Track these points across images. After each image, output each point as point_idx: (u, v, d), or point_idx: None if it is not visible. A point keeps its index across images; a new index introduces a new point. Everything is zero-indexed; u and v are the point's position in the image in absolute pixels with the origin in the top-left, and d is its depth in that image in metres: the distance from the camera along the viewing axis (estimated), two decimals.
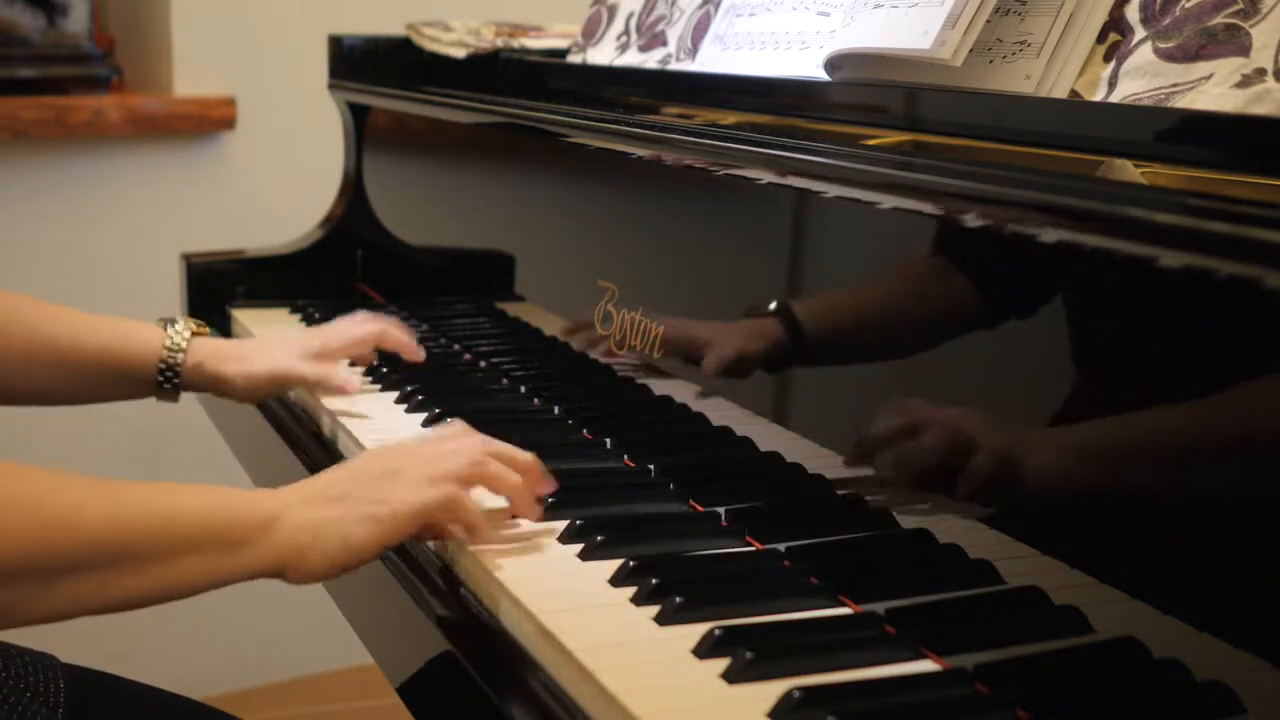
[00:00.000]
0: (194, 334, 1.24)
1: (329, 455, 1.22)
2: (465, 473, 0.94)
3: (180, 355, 1.22)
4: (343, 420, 1.22)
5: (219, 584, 0.88)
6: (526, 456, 0.99)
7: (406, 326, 1.36)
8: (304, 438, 1.27)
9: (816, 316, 1.02)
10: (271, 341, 1.29)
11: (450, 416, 1.19)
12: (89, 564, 0.83)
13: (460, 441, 0.97)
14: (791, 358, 1.03)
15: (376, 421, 1.23)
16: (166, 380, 1.23)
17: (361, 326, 1.32)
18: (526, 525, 0.98)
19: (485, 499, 0.99)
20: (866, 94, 1.03)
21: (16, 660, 1.02)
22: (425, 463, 0.94)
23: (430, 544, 0.98)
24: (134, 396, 1.25)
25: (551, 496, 0.99)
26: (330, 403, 1.26)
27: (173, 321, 1.25)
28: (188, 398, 1.31)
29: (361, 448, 1.16)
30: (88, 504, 0.83)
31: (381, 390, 1.32)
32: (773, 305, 1.03)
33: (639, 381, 1.19)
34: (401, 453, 0.95)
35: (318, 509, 0.90)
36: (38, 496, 0.82)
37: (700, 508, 1.01)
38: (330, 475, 0.94)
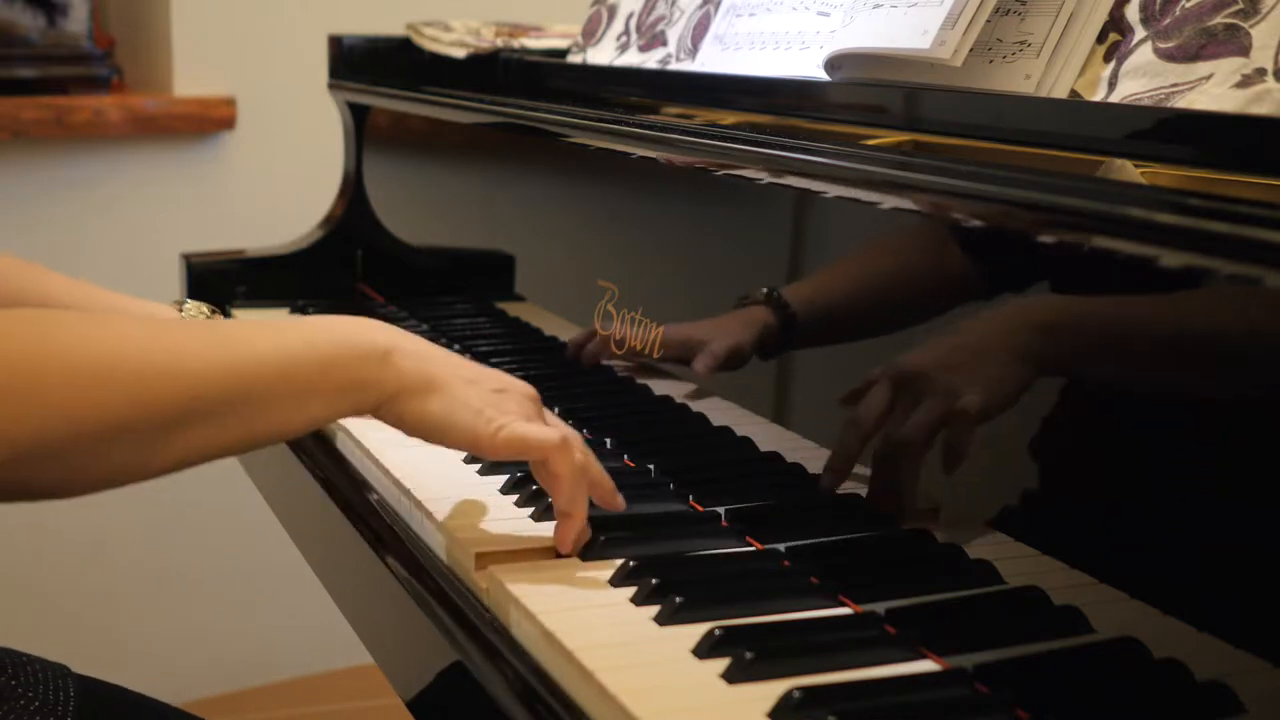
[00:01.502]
0: (207, 317, 1.25)
1: (328, 454, 1.22)
2: (579, 455, 0.91)
3: None
4: (343, 420, 1.22)
5: (331, 421, 0.89)
6: (602, 472, 0.95)
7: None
8: (304, 437, 1.27)
9: (809, 306, 1.02)
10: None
11: None
12: (197, 415, 0.80)
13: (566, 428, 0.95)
14: (784, 345, 1.03)
15: (377, 422, 1.22)
16: None
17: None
18: (527, 528, 0.98)
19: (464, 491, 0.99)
20: (866, 94, 1.03)
21: (27, 668, 1.02)
22: (535, 405, 0.94)
23: (432, 545, 0.98)
24: None
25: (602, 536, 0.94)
26: None
27: (184, 303, 1.25)
28: None
29: (363, 449, 1.15)
30: (191, 353, 0.80)
31: None
32: (764, 292, 1.03)
33: (639, 381, 1.19)
34: (514, 381, 0.95)
35: (440, 367, 0.89)
36: (137, 347, 0.78)
37: (700, 508, 1.01)
38: (453, 355, 0.93)
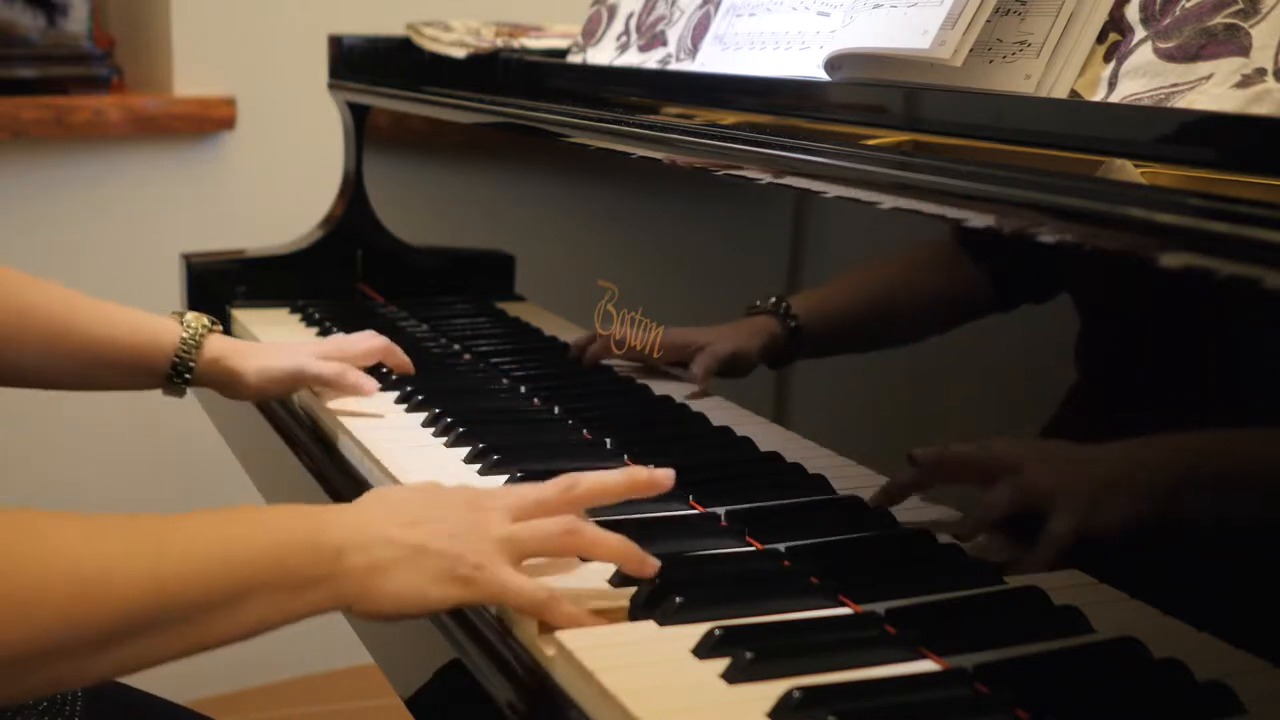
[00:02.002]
0: (208, 329, 1.24)
1: (329, 455, 1.22)
2: (557, 539, 0.85)
3: (195, 350, 1.22)
4: (344, 420, 1.22)
5: (283, 624, 0.80)
6: (619, 477, 0.90)
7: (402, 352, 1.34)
8: (304, 438, 1.27)
9: (816, 312, 1.02)
10: (286, 344, 1.30)
11: (450, 416, 1.19)
12: (130, 632, 0.75)
13: (550, 491, 0.88)
14: (789, 356, 1.03)
15: (377, 422, 1.23)
16: (178, 374, 1.23)
17: (371, 340, 1.32)
18: None
19: None
20: (866, 94, 1.03)
21: None
22: (512, 513, 0.85)
23: None
24: (139, 388, 1.25)
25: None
26: (332, 403, 1.26)
27: (185, 316, 1.25)
28: (189, 398, 1.31)
29: (363, 449, 1.15)
30: (118, 567, 0.75)
31: (382, 390, 1.32)
32: (771, 300, 1.03)
33: (639, 381, 1.19)
34: (484, 496, 0.87)
35: (394, 550, 0.81)
36: (59, 566, 0.73)
37: (700, 508, 1.01)
38: (406, 507, 0.85)
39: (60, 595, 0.72)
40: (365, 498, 0.87)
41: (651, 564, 0.85)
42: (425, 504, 0.85)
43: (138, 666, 0.77)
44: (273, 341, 1.35)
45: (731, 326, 1.08)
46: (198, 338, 1.23)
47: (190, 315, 1.25)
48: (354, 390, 1.25)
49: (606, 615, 0.84)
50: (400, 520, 0.83)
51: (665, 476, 0.90)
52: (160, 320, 1.24)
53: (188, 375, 1.23)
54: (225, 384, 1.25)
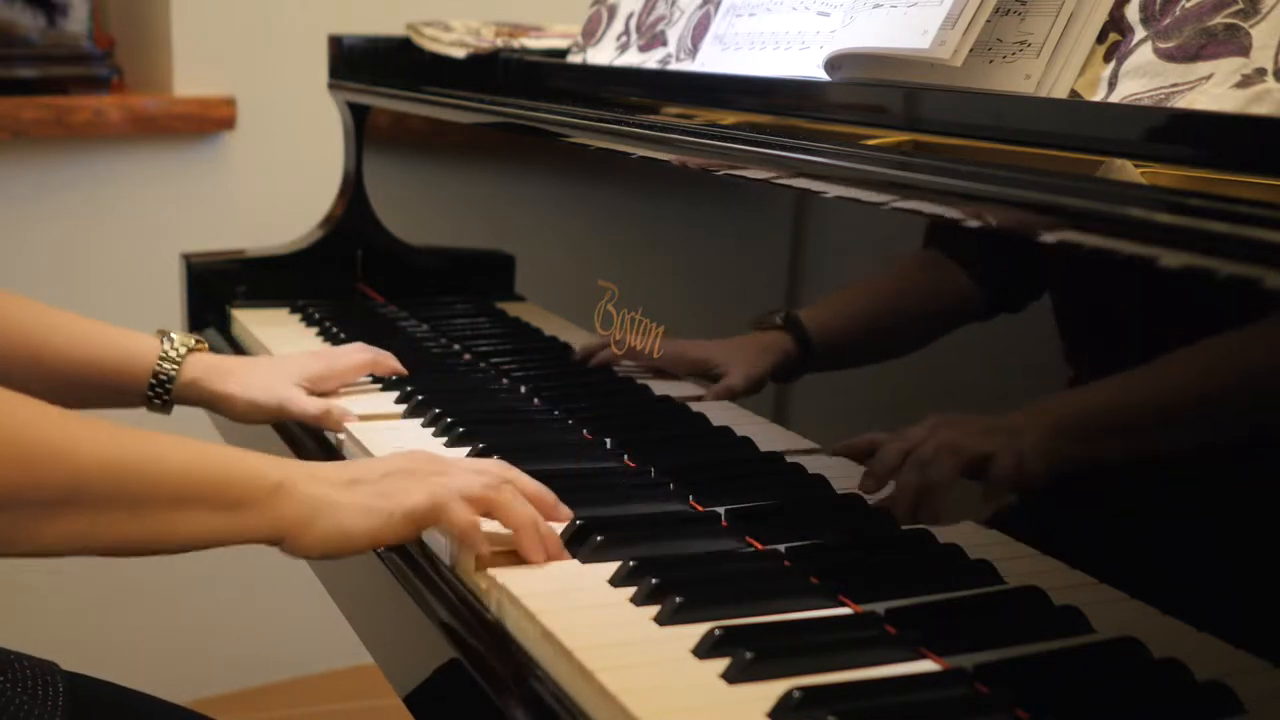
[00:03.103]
0: (190, 350, 1.23)
1: (328, 453, 1.22)
2: (478, 493, 0.92)
3: (173, 370, 1.21)
4: (344, 421, 1.22)
5: (216, 543, 0.87)
6: (536, 485, 0.97)
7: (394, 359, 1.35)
8: (304, 438, 1.27)
9: (825, 326, 1.01)
10: (272, 365, 1.27)
11: (450, 417, 1.19)
12: (80, 501, 0.82)
13: (483, 463, 0.98)
14: (801, 369, 1.03)
15: (378, 423, 1.23)
16: (156, 395, 1.22)
17: (358, 354, 1.31)
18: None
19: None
20: (866, 94, 1.03)
21: (15, 666, 1.02)
22: (440, 472, 0.94)
23: (431, 544, 0.99)
24: (122, 406, 1.24)
25: (575, 532, 0.95)
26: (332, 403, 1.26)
27: (169, 335, 1.23)
28: None
29: (365, 451, 1.15)
30: (84, 440, 0.82)
31: (382, 390, 1.32)
32: (779, 318, 1.02)
33: (639, 381, 1.19)
34: (422, 458, 0.96)
35: (322, 488, 0.90)
36: (32, 425, 0.81)
37: (700, 508, 1.01)
38: (345, 464, 0.95)
39: (15, 451, 0.79)
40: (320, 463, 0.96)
41: (564, 510, 0.96)
42: (362, 461, 0.97)
43: (79, 544, 0.83)
44: (261, 359, 1.33)
45: (743, 349, 1.07)
46: (177, 358, 1.21)
47: (176, 335, 1.23)
48: (335, 429, 1.23)
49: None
50: (335, 468, 0.93)
51: (565, 514, 0.97)
52: (141, 340, 1.23)
53: (166, 396, 1.22)
54: (209, 406, 1.25)
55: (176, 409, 1.25)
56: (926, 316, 0.93)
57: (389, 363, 1.33)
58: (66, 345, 1.19)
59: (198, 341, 1.24)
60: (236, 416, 1.24)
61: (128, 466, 0.84)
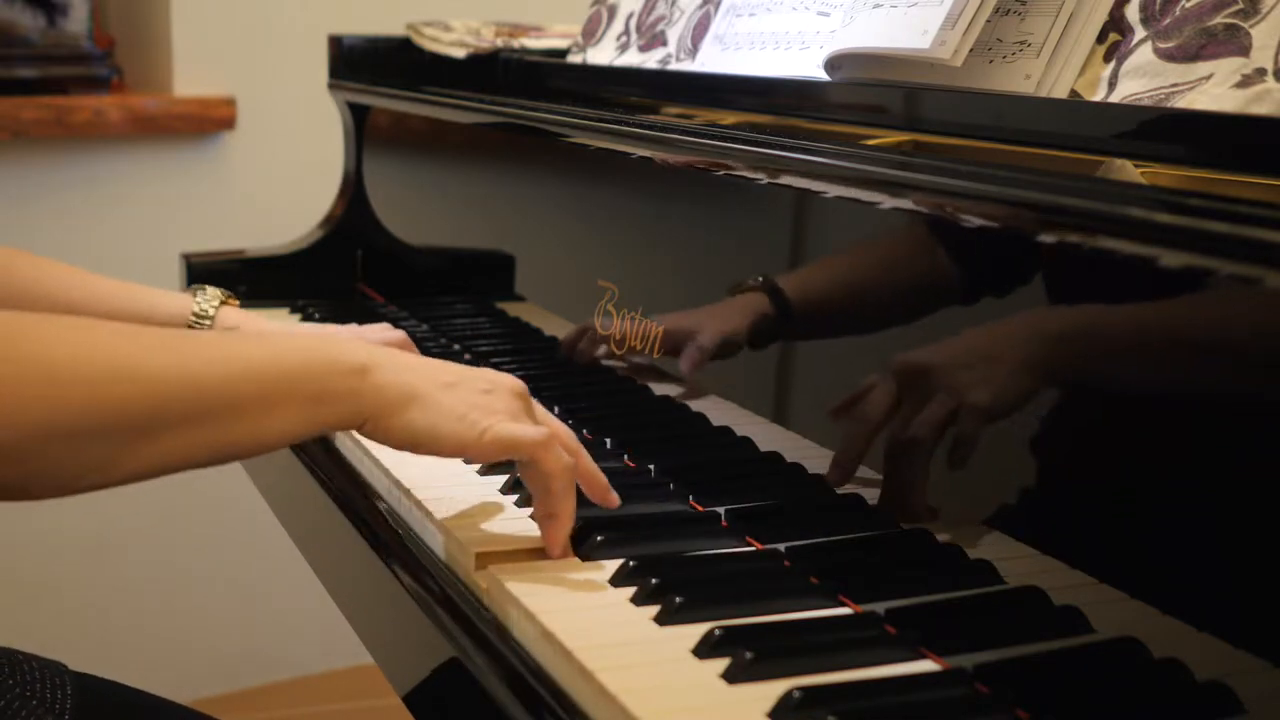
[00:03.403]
0: (223, 302, 1.24)
1: (328, 453, 1.21)
2: (552, 435, 0.90)
3: (208, 321, 1.22)
4: None
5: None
6: (594, 467, 0.95)
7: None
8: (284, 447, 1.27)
9: (806, 294, 1.01)
10: (299, 327, 1.30)
11: None
12: (169, 422, 0.79)
13: (562, 426, 0.95)
14: (778, 334, 1.03)
15: None
16: None
17: (388, 333, 1.31)
18: (527, 528, 0.98)
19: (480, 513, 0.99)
20: (866, 94, 1.03)
21: (24, 667, 1.02)
22: (525, 403, 0.92)
23: (431, 545, 0.99)
24: None
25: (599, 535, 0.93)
26: None
27: (202, 288, 1.25)
28: None
29: (363, 449, 1.15)
30: (165, 357, 0.80)
31: None
32: (759, 280, 1.03)
33: (639, 381, 1.19)
34: (509, 387, 0.93)
35: (416, 378, 0.88)
36: (111, 349, 0.78)
37: (700, 508, 1.01)
38: (442, 363, 0.92)
39: (84, 376, 0.76)
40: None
41: (614, 498, 0.93)
42: (447, 365, 0.92)
43: (168, 464, 0.80)
44: (286, 324, 1.35)
45: (722, 306, 1.08)
46: (211, 308, 1.23)
47: (208, 288, 1.25)
48: None
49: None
50: (426, 363, 0.90)
51: (615, 500, 0.95)
52: (175, 295, 1.25)
53: None
54: None
55: None
56: (922, 311, 0.93)
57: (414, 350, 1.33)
58: (103, 300, 1.21)
59: (228, 296, 1.26)
60: None
61: (204, 379, 0.81)
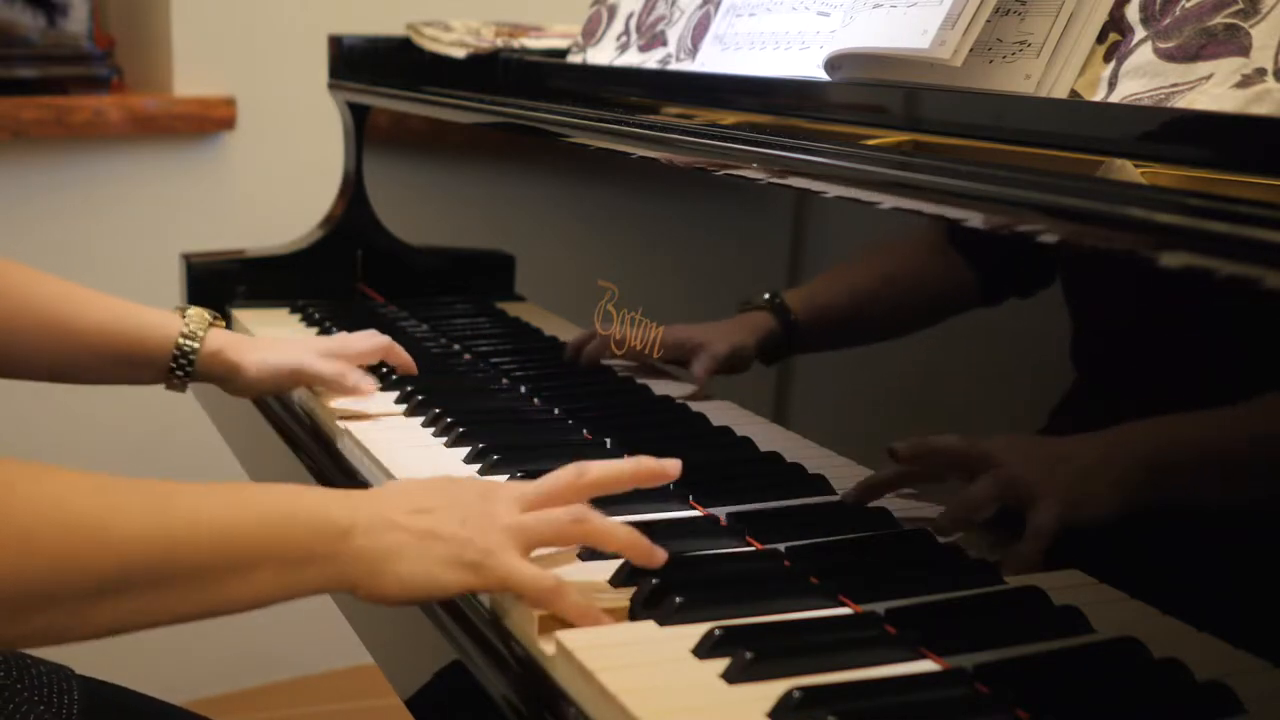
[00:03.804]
0: (210, 324, 1.24)
1: (330, 455, 1.22)
2: (567, 529, 0.85)
3: (195, 344, 1.22)
4: (343, 420, 1.22)
5: (284, 599, 0.80)
6: (627, 468, 0.91)
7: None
8: (304, 438, 1.27)
9: (811, 309, 1.01)
10: (288, 339, 1.29)
11: (450, 416, 1.19)
12: (130, 585, 0.75)
13: (556, 484, 0.88)
14: (786, 350, 1.03)
15: (378, 422, 1.23)
16: (179, 368, 1.22)
17: (373, 339, 1.32)
18: None
19: None
20: (866, 94, 1.03)
21: (31, 671, 1.02)
22: (522, 503, 0.86)
23: None
24: (142, 382, 1.24)
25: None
26: (332, 403, 1.26)
27: (186, 309, 1.24)
28: (188, 397, 1.31)
29: (363, 449, 1.15)
30: (131, 517, 0.76)
31: (382, 390, 1.32)
32: (766, 297, 1.03)
33: (639, 381, 1.19)
34: (494, 488, 0.88)
35: (401, 534, 0.81)
36: (78, 507, 0.75)
37: (700, 508, 1.01)
38: (413, 496, 0.85)
39: (53, 539, 0.73)
40: (377, 487, 0.88)
41: (659, 555, 0.85)
42: (436, 492, 0.86)
43: (136, 624, 0.77)
44: (275, 337, 1.35)
45: (728, 323, 1.08)
46: (200, 331, 1.22)
47: (193, 310, 1.24)
48: (353, 391, 1.25)
49: (608, 614, 0.84)
50: (410, 507, 0.83)
51: (673, 466, 0.91)
52: (162, 313, 1.24)
53: (189, 369, 1.22)
54: (225, 377, 1.25)
55: (178, 406, 1.26)
56: (924, 317, 0.93)
57: (402, 354, 1.33)
58: (89, 319, 1.19)
59: (215, 317, 1.25)
60: (250, 384, 1.25)
61: (174, 540, 0.76)
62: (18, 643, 0.76)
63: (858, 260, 1.01)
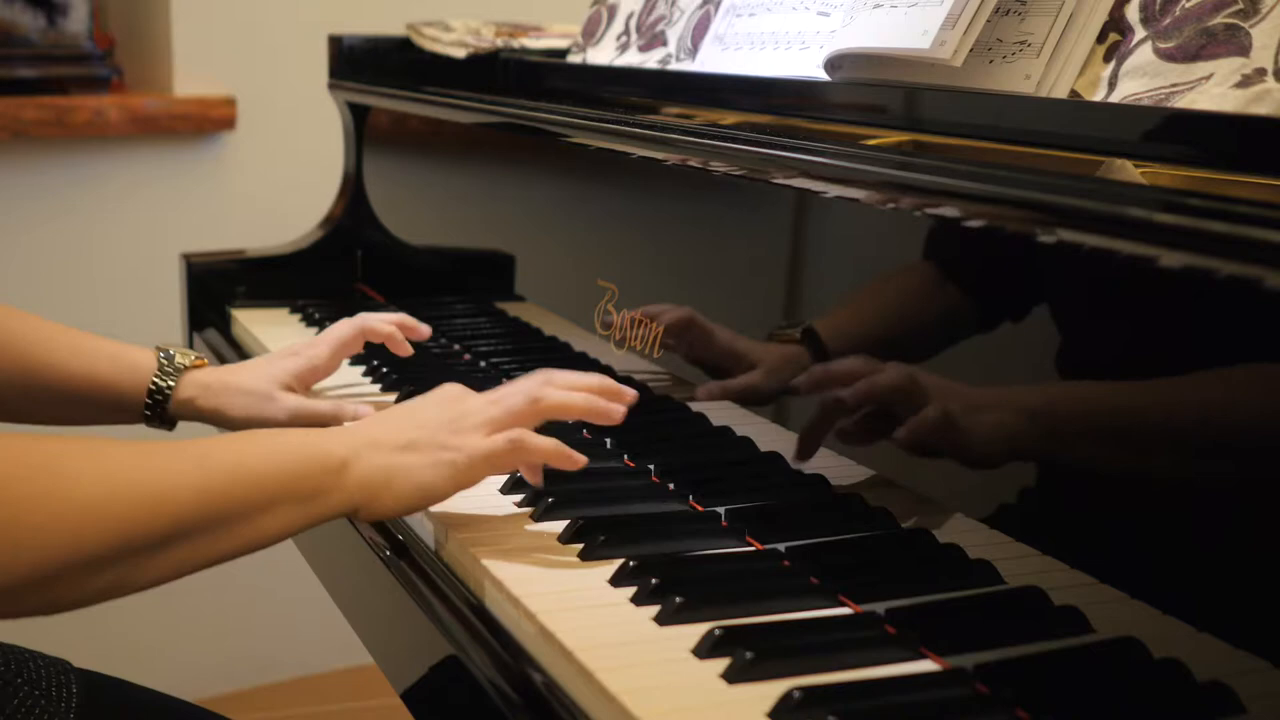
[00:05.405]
0: (189, 367, 1.20)
1: None
2: (526, 409, 0.97)
3: (168, 388, 1.18)
4: (344, 423, 1.22)
5: (297, 532, 0.91)
6: (590, 378, 1.01)
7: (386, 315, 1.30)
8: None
9: (840, 337, 0.99)
10: (256, 373, 1.23)
11: None
12: (182, 535, 0.85)
13: (518, 382, 1.00)
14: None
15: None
16: (153, 413, 1.19)
17: (342, 329, 1.27)
18: (528, 526, 0.98)
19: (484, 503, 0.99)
20: (866, 94, 1.03)
21: (29, 664, 1.02)
22: (490, 404, 0.97)
23: (430, 544, 0.99)
24: (122, 423, 1.21)
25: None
26: (331, 404, 1.26)
27: (166, 351, 1.20)
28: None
29: None
30: (176, 478, 0.85)
31: (382, 391, 1.32)
32: (797, 332, 1.01)
33: (639, 381, 1.19)
34: (463, 394, 0.99)
35: (388, 455, 0.93)
36: (129, 476, 0.83)
37: (700, 508, 1.01)
38: (395, 419, 0.97)
39: (122, 506, 0.82)
40: (365, 419, 1.03)
41: (618, 410, 1.00)
42: (409, 413, 0.98)
43: (187, 568, 0.87)
44: (248, 365, 1.26)
45: (775, 357, 1.04)
46: (173, 375, 1.18)
47: (174, 351, 1.21)
48: (354, 419, 1.19)
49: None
50: (392, 428, 0.95)
51: (630, 395, 1.01)
52: (139, 356, 1.19)
53: (162, 414, 1.19)
54: (209, 422, 1.21)
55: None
56: (924, 316, 0.93)
57: (378, 325, 1.27)
58: (64, 362, 1.16)
59: (196, 358, 1.21)
60: (236, 426, 1.19)
61: (215, 490, 0.86)
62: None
63: (875, 290, 0.99)
